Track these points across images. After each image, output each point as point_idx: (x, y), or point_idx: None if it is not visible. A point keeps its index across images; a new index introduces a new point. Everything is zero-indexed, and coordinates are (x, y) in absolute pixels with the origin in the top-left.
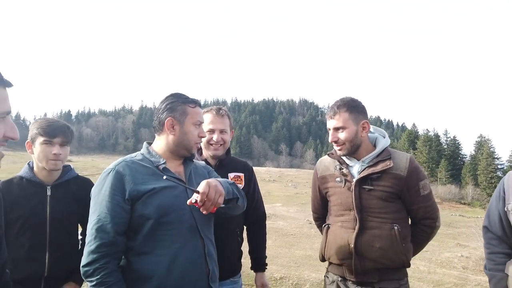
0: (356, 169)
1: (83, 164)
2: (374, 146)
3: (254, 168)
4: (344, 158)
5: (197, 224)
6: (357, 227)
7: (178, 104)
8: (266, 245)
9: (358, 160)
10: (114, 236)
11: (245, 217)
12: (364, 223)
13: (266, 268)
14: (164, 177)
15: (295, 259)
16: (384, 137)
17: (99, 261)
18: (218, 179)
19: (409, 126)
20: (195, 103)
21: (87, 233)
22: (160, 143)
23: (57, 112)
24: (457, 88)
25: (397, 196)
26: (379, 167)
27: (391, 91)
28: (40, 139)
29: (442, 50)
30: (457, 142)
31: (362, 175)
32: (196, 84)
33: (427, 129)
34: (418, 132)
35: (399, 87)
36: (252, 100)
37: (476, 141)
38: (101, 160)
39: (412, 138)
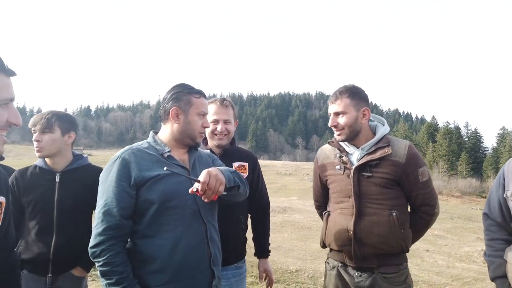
0: (356, 156)
1: (102, 158)
2: (374, 134)
3: (270, 162)
4: (344, 146)
5: (200, 210)
6: (355, 214)
7: (183, 94)
8: (282, 238)
9: (358, 147)
10: (120, 220)
11: (249, 205)
12: (363, 209)
13: (269, 255)
14: (165, 168)
15: (311, 252)
16: (384, 125)
17: (106, 243)
18: (219, 167)
19: (428, 119)
20: (200, 93)
21: (95, 216)
22: (165, 132)
23: (77, 107)
24: (479, 80)
25: (395, 183)
26: (377, 154)
27: (410, 83)
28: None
29: (463, 41)
30: (478, 134)
31: (361, 162)
32: (212, 79)
33: (447, 122)
34: (438, 124)
35: (419, 79)
36: (268, 93)
37: (498, 134)
38: None
39: (431, 130)
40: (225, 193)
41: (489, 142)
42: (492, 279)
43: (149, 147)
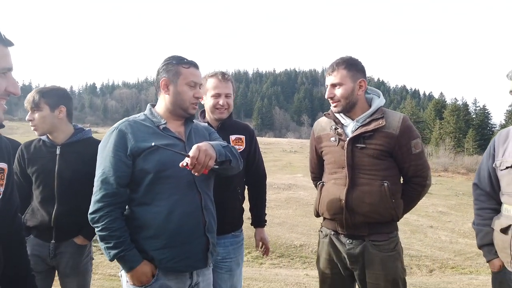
0: (350, 128)
1: None
2: (370, 106)
3: (276, 139)
4: (339, 117)
5: (195, 180)
6: (347, 184)
7: (172, 65)
8: (287, 214)
9: (353, 119)
10: (116, 188)
11: (246, 177)
12: (355, 180)
13: (266, 225)
14: (153, 143)
15: (315, 228)
16: (379, 97)
17: (104, 209)
18: (211, 142)
19: (436, 95)
20: (190, 64)
21: (94, 185)
22: (160, 104)
23: (83, 84)
24: (490, 55)
25: (388, 154)
26: (371, 126)
27: (418, 59)
28: None
29: (472, 16)
30: (486, 111)
31: (355, 134)
32: (217, 55)
33: (455, 98)
34: (445, 101)
35: (427, 55)
36: (274, 70)
37: (507, 110)
38: None
39: (439, 107)
40: (216, 167)
41: (498, 119)
42: (480, 247)
43: (145, 119)
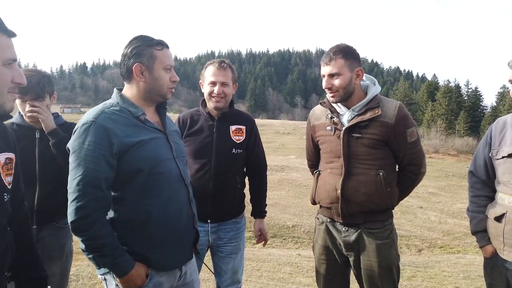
0: (346, 117)
1: None
2: (366, 94)
3: (269, 121)
4: (335, 106)
5: (181, 173)
6: (343, 174)
7: (144, 48)
8: (280, 195)
9: (349, 108)
10: (103, 191)
11: (246, 167)
12: (351, 169)
13: (265, 215)
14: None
15: (307, 209)
16: (375, 85)
17: (91, 216)
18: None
19: (429, 77)
20: (162, 45)
21: (71, 189)
22: (132, 91)
23: (73, 64)
24: (483, 36)
25: (384, 143)
26: (367, 115)
27: (412, 40)
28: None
29: None
30: (478, 93)
31: (350, 124)
32: (210, 35)
33: (448, 80)
34: (438, 83)
35: (421, 35)
36: (267, 51)
37: (498, 92)
38: None
39: (431, 89)
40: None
41: (489, 100)
42: (473, 233)
43: (121, 109)
